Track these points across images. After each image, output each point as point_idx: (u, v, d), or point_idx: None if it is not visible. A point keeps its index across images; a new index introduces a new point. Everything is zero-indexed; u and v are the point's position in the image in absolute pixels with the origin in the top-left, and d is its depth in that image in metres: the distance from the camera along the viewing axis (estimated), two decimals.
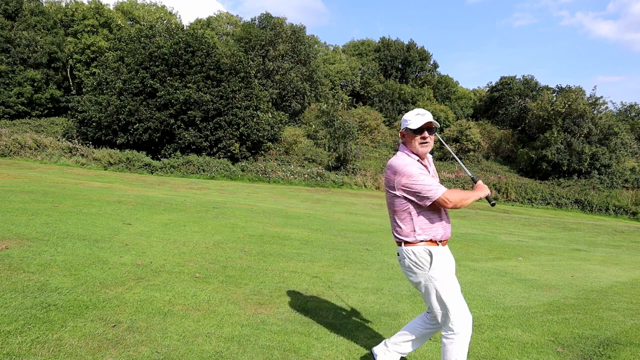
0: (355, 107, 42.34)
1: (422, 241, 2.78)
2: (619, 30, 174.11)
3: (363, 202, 18.96)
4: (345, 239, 8.45)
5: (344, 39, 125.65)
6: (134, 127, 25.56)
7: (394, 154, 3.06)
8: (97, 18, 36.23)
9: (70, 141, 25.61)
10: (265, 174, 26.43)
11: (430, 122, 2.81)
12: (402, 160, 2.83)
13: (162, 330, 3.37)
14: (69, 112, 28.45)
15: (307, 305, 4.34)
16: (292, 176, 26.75)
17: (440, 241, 2.81)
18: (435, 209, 2.80)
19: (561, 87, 42.01)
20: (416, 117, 2.81)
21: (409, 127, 2.82)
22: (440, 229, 2.80)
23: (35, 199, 8.62)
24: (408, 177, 2.75)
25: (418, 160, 2.86)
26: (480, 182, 2.95)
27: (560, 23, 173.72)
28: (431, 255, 2.77)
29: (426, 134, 2.81)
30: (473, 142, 37.47)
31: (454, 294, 2.75)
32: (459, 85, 52.97)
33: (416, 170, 2.76)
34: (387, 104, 45.61)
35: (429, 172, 2.90)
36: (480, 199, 2.92)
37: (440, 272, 2.76)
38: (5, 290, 3.72)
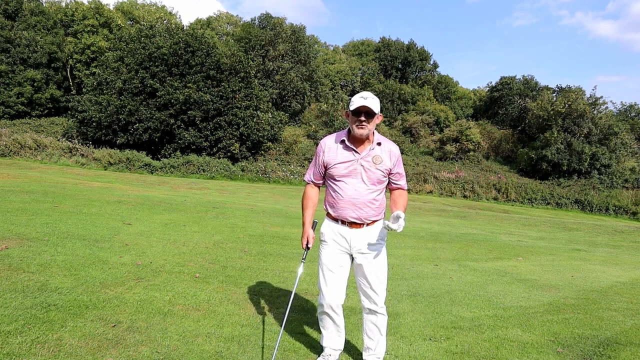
0: None
1: (327, 214, 3.09)
2: (619, 30, 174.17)
3: None
4: None
5: (344, 39, 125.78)
6: (134, 127, 25.55)
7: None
8: (97, 18, 36.23)
9: (70, 141, 25.59)
10: (265, 174, 26.42)
11: (366, 106, 2.83)
12: (323, 139, 3.10)
13: (162, 330, 3.37)
14: (69, 112, 28.44)
15: (307, 305, 4.34)
16: (292, 176, 26.75)
17: (336, 219, 3.02)
18: (337, 189, 3.00)
19: (561, 87, 42.07)
20: (357, 100, 2.86)
21: (349, 108, 2.91)
22: (339, 209, 2.99)
23: (35, 199, 8.61)
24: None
25: (343, 141, 2.97)
26: (311, 231, 3.10)
27: (560, 23, 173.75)
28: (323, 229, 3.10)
29: (362, 117, 2.85)
30: (473, 142, 37.46)
31: (322, 269, 3.04)
32: (459, 85, 52.99)
33: (317, 152, 3.09)
34: (387, 104, 45.57)
35: (358, 154, 2.94)
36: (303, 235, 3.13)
37: (321, 246, 3.09)
38: (5, 290, 3.72)
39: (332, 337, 3.12)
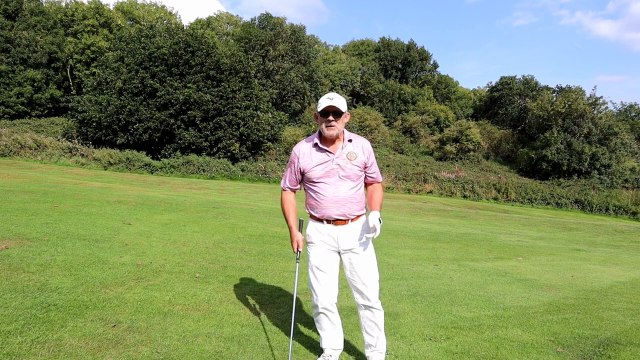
0: (355, 107, 42.31)
1: (310, 216, 3.12)
2: (619, 29, 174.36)
3: None
4: None
5: (344, 39, 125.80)
6: (134, 127, 25.55)
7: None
8: (97, 18, 36.23)
9: (70, 141, 25.58)
10: (265, 174, 26.42)
11: (333, 106, 2.86)
12: (296, 146, 3.12)
13: (162, 330, 3.37)
14: (69, 112, 28.43)
15: (307, 305, 4.34)
16: None
17: (320, 219, 3.04)
18: (317, 190, 3.01)
19: (561, 87, 42.05)
20: (324, 101, 2.89)
21: (317, 109, 2.94)
22: (322, 208, 3.01)
23: (35, 199, 8.62)
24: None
25: (316, 144, 2.99)
26: (299, 235, 3.12)
27: (560, 22, 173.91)
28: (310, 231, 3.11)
29: (331, 117, 2.89)
30: (473, 142, 37.45)
31: (312, 270, 3.05)
32: (459, 85, 52.95)
33: (291, 160, 3.10)
34: (387, 104, 45.57)
35: (332, 154, 2.98)
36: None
37: (309, 248, 3.10)
38: (5, 290, 3.72)
39: (331, 337, 3.13)
